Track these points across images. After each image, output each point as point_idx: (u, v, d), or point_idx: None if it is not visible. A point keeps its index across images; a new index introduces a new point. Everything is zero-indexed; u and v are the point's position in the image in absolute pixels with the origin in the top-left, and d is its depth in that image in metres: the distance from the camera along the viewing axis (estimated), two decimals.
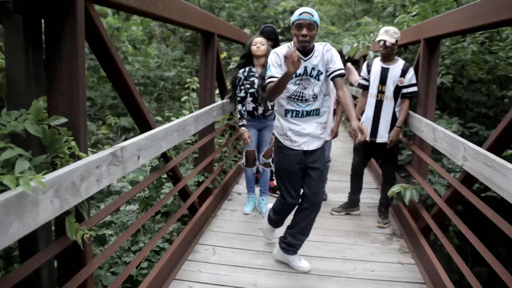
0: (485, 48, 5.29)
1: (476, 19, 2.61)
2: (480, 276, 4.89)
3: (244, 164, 3.86)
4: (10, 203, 1.20)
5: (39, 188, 1.30)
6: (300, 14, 2.40)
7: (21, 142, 1.65)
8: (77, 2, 1.61)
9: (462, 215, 4.85)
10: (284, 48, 2.53)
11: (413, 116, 3.54)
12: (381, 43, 3.44)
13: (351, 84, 5.20)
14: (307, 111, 2.56)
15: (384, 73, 3.51)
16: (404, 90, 3.49)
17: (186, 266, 2.92)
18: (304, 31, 2.37)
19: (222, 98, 4.53)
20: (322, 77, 2.54)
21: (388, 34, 3.41)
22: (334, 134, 4.10)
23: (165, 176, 3.17)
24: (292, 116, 2.59)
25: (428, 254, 2.87)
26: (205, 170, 3.93)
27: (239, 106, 3.72)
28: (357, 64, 8.30)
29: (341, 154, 6.42)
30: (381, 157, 3.80)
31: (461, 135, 4.39)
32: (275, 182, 4.42)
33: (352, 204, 4.00)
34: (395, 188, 3.29)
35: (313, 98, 2.54)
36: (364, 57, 6.78)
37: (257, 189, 4.23)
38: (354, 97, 9.01)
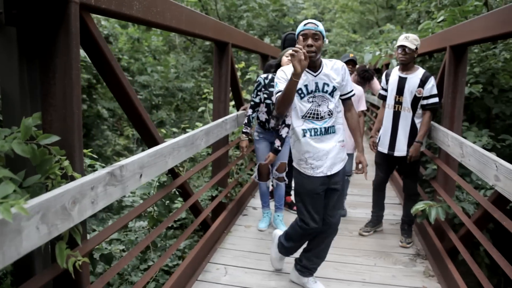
0: None
1: (509, 24, 2.40)
2: None
3: (257, 178, 3.71)
4: None
5: (22, 214, 1.19)
6: (305, 24, 2.31)
7: (15, 161, 1.56)
8: (71, 12, 1.51)
9: (493, 232, 4.54)
10: (291, 67, 2.41)
11: (438, 129, 3.31)
12: (400, 49, 3.25)
13: (373, 94, 4.99)
14: (325, 128, 2.41)
15: (401, 83, 3.30)
16: (424, 102, 3.25)
17: (196, 287, 2.78)
18: (310, 41, 2.26)
19: (238, 110, 4.40)
20: (336, 93, 2.43)
21: (408, 40, 3.20)
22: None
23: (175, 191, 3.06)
24: (311, 135, 2.42)
25: (455, 278, 2.63)
26: (218, 184, 3.80)
27: (249, 111, 3.52)
28: (379, 72, 8.08)
29: None
30: (401, 172, 3.56)
31: (491, 149, 4.12)
32: (292, 197, 4.25)
33: (378, 221, 3.78)
34: (419, 206, 3.07)
35: (328, 115, 2.41)
36: (387, 66, 6.55)
37: (272, 204, 4.07)
38: (376, 107, 8.77)
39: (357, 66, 4.44)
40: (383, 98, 3.51)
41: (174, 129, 6.09)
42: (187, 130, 4.92)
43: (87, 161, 2.96)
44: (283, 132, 3.40)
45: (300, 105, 2.40)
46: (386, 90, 3.47)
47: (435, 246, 3.16)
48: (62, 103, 1.57)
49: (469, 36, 3.04)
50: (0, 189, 1.22)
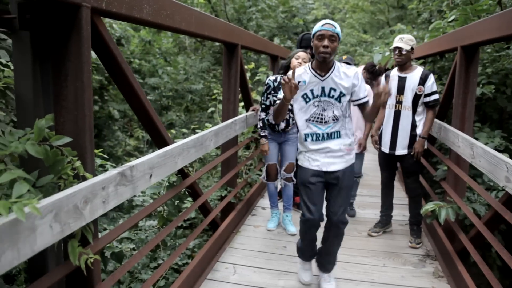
0: None
1: None
2: None
3: (265, 178, 3.73)
4: (2, 231, 1.13)
5: (32, 214, 1.23)
6: (323, 25, 2.30)
7: (29, 161, 1.60)
8: (83, 16, 1.55)
9: (505, 234, 4.48)
10: (301, 69, 2.46)
11: (448, 130, 3.29)
12: (396, 51, 3.27)
13: None
14: (327, 134, 2.42)
15: (401, 82, 3.32)
16: (426, 99, 3.28)
17: (205, 286, 2.81)
18: (326, 42, 2.26)
19: (247, 111, 4.42)
20: (344, 99, 2.40)
21: (403, 41, 3.23)
22: (363, 147, 3.93)
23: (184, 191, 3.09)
24: (312, 140, 2.45)
25: (465, 280, 2.61)
26: (227, 184, 3.83)
27: (263, 114, 3.53)
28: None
29: (372, 168, 6.14)
30: (403, 172, 3.57)
31: (504, 150, 4.07)
32: None
33: (387, 222, 3.78)
34: (429, 206, 3.05)
35: (333, 120, 2.41)
36: None
37: (280, 205, 4.08)
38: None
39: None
40: None
41: (184, 130, 6.14)
42: (197, 131, 4.97)
43: (98, 161, 3.01)
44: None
45: (306, 109, 2.42)
46: None
47: (445, 247, 3.14)
48: (74, 105, 1.61)
49: (480, 36, 3.01)
50: (15, 189, 1.27)
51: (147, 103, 2.16)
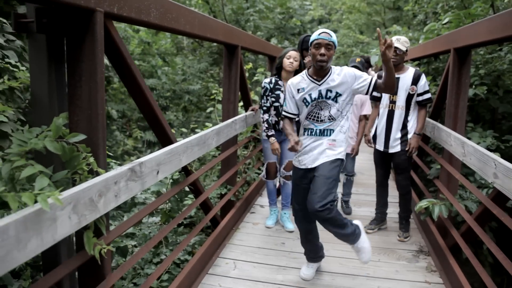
0: None
1: (510, 28, 2.49)
2: None
3: (265, 176, 3.83)
4: (29, 220, 1.22)
5: (57, 204, 1.33)
6: (319, 34, 2.47)
7: (44, 157, 1.69)
8: (97, 21, 1.65)
9: (496, 231, 4.61)
10: (298, 78, 2.65)
11: (441, 129, 3.41)
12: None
13: None
14: (320, 130, 2.61)
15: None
16: (419, 98, 3.42)
17: (206, 280, 2.91)
18: (323, 51, 2.43)
19: (246, 110, 4.52)
20: (340, 98, 2.55)
21: (399, 42, 3.36)
22: (355, 153, 4.08)
23: (187, 189, 3.18)
24: (308, 135, 2.65)
25: (457, 274, 2.73)
26: (227, 182, 3.92)
27: (266, 116, 3.60)
28: None
29: (368, 167, 6.26)
30: (394, 169, 3.70)
31: (495, 149, 4.19)
32: None
33: (382, 219, 3.90)
34: (423, 203, 3.17)
35: (329, 119, 2.58)
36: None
37: (278, 203, 4.18)
38: None
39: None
40: (375, 99, 3.64)
41: (184, 129, 6.23)
42: (197, 130, 5.07)
43: None
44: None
45: (306, 109, 2.61)
46: None
47: (437, 243, 3.25)
48: (88, 104, 1.71)
49: (472, 39, 3.13)
50: (37, 182, 1.36)
51: (153, 103, 2.25)
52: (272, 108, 3.59)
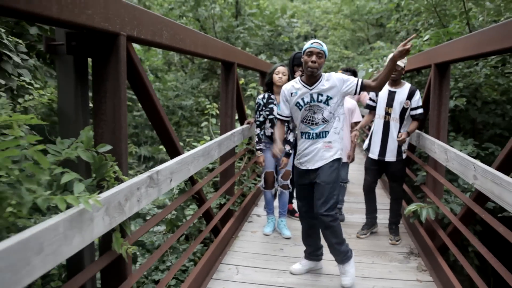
0: (498, 71, 5.41)
1: (483, 46, 2.77)
2: None
3: (263, 186, 4.02)
4: (74, 219, 1.40)
5: (93, 206, 1.50)
6: (312, 43, 2.77)
7: (70, 166, 1.86)
8: (120, 43, 1.85)
9: (481, 235, 4.86)
10: (291, 83, 2.93)
11: (426, 138, 3.67)
12: None
13: (364, 107, 5.38)
14: (316, 133, 2.85)
15: (391, 96, 3.69)
16: (413, 112, 3.66)
17: (212, 284, 3.06)
18: (314, 58, 2.72)
19: (241, 124, 4.74)
20: (331, 101, 2.81)
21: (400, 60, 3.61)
22: (352, 159, 4.30)
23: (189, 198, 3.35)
24: (305, 138, 2.89)
25: (445, 272, 2.94)
26: (226, 193, 4.10)
27: (257, 130, 3.91)
28: None
29: (358, 177, 6.51)
30: (388, 177, 3.94)
31: (476, 156, 4.48)
32: (293, 205, 4.56)
33: (372, 223, 4.10)
34: (411, 207, 3.40)
35: (322, 121, 2.82)
36: None
37: (276, 211, 4.36)
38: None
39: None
40: (370, 108, 3.90)
41: (181, 143, 6.38)
42: (193, 143, 5.25)
43: None
44: (290, 137, 3.76)
45: (300, 113, 2.86)
46: (374, 101, 3.86)
47: (426, 244, 3.48)
48: (112, 118, 1.89)
49: (450, 55, 3.42)
50: (76, 187, 1.54)
51: (165, 117, 2.45)
52: (268, 120, 3.83)
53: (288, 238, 3.94)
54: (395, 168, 3.75)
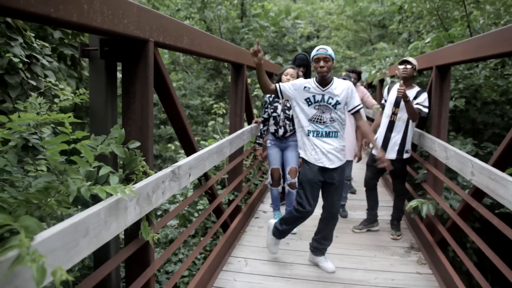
0: (497, 73, 5.58)
1: (482, 50, 2.94)
2: None
3: (271, 183, 4.19)
4: (112, 207, 1.57)
5: (127, 196, 1.67)
6: (318, 50, 2.98)
7: (99, 160, 2.04)
8: (149, 49, 2.02)
9: (479, 233, 5.02)
10: (307, 80, 3.10)
11: (427, 137, 3.84)
12: (403, 65, 3.78)
13: (367, 107, 5.55)
14: (326, 132, 3.02)
15: (399, 97, 3.83)
16: (416, 106, 3.74)
17: (222, 276, 3.23)
18: (322, 63, 2.92)
19: (249, 123, 4.91)
20: (339, 106, 3.01)
21: (411, 58, 3.79)
22: (358, 158, 4.47)
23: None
24: (314, 136, 3.04)
25: (444, 265, 3.11)
26: (235, 189, 4.28)
27: (261, 126, 4.16)
28: (373, 88, 8.68)
29: (359, 175, 6.68)
30: (390, 174, 4.11)
31: (475, 155, 4.65)
32: None
33: (371, 220, 4.26)
34: (412, 203, 3.57)
35: (330, 120, 3.01)
36: (381, 82, 7.14)
37: (282, 208, 4.54)
38: (370, 119, 9.37)
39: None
40: (383, 107, 4.07)
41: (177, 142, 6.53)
42: (201, 142, 5.42)
43: None
44: (272, 129, 4.10)
45: (308, 110, 3.02)
46: (386, 100, 4.03)
47: (426, 239, 3.65)
48: (140, 117, 2.07)
49: (451, 58, 3.59)
50: (112, 179, 1.71)
51: (184, 117, 2.63)
52: (271, 118, 4.02)
53: (294, 234, 4.10)
54: (396, 166, 3.91)
